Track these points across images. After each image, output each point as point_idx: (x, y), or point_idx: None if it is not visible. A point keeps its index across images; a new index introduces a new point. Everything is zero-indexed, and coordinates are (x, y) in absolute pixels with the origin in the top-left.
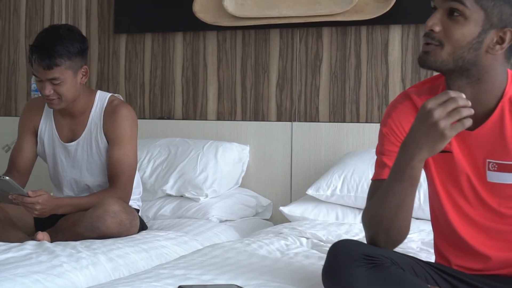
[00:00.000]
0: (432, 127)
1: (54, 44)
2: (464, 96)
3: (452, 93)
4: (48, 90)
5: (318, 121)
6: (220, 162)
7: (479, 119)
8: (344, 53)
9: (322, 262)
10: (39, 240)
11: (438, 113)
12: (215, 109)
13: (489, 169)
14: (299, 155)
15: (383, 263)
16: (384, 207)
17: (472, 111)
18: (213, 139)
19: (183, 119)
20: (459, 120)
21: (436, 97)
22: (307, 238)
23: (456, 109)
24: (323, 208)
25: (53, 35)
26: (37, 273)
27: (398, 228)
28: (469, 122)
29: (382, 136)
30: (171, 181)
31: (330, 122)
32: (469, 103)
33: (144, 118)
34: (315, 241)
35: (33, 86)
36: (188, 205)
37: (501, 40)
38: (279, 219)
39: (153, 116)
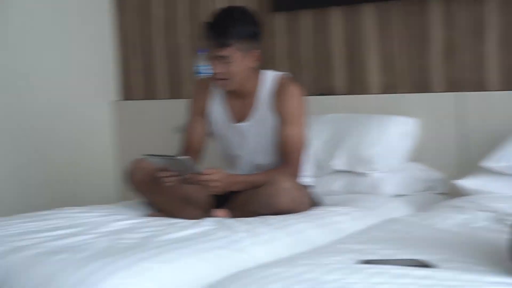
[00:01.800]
0: None
1: (227, 25)
2: None
3: None
4: (217, 68)
5: (489, 90)
6: (388, 136)
7: None
8: None
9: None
10: (218, 217)
11: None
12: (379, 82)
13: None
14: (470, 127)
15: None
16: None
17: None
18: (378, 113)
19: (346, 94)
20: None
21: None
22: (488, 212)
23: None
24: (501, 181)
25: (227, 16)
26: (218, 248)
27: None
28: None
29: None
30: (339, 157)
31: (503, 90)
32: None
33: (306, 95)
34: (496, 214)
35: (197, 68)
36: (358, 180)
37: None
38: (453, 192)
39: (314, 93)
